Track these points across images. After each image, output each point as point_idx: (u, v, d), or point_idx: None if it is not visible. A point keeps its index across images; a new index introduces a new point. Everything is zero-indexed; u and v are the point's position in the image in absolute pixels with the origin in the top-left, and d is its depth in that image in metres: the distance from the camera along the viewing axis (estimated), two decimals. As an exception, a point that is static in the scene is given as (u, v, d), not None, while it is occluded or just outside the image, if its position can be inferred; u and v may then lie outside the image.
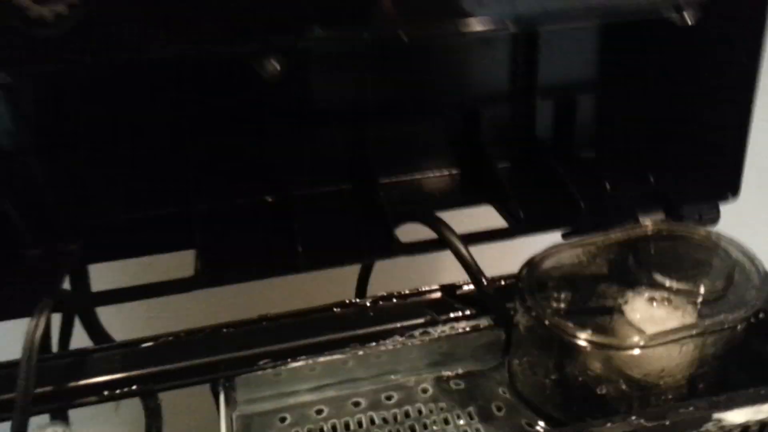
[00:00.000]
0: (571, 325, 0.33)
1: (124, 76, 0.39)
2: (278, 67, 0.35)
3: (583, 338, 0.32)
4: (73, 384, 0.36)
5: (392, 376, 0.42)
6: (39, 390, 0.34)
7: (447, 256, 0.41)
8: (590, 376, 0.33)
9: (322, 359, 0.39)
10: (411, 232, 0.44)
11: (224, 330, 0.39)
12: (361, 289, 0.45)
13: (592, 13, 0.36)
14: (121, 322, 0.45)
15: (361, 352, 0.39)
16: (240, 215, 0.42)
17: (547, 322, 0.33)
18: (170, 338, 0.38)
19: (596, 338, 0.32)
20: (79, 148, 0.39)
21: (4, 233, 0.39)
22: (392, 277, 0.48)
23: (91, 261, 0.40)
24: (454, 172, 0.46)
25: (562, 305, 0.34)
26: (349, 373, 0.41)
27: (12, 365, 0.35)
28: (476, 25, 0.33)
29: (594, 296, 0.34)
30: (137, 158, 0.41)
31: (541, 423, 0.35)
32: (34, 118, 0.38)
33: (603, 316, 0.33)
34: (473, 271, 0.38)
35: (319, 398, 0.41)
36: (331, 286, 0.47)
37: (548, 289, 0.35)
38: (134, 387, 0.36)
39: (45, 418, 0.38)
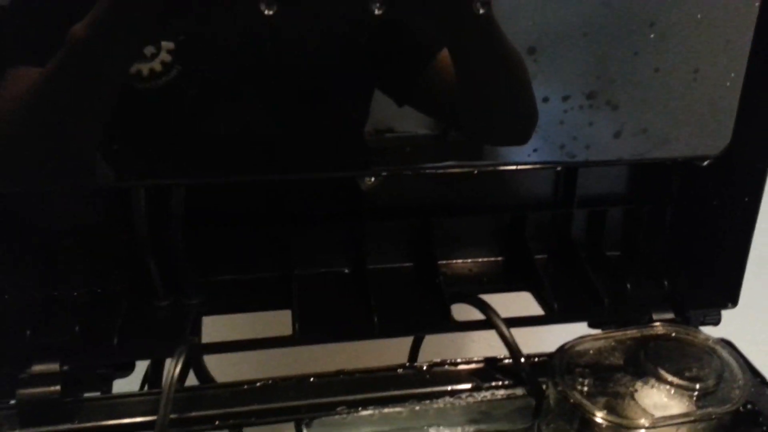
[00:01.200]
0: (590, 404, 0.41)
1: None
2: (374, 180, 0.46)
3: (600, 416, 0.41)
4: (191, 414, 0.46)
5: (438, 428, 0.51)
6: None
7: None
8: (604, 448, 0.41)
9: (386, 410, 0.48)
10: (457, 309, 0.53)
11: (310, 379, 0.48)
12: (413, 354, 0.54)
13: (630, 161, 0.46)
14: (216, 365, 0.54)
15: (417, 407, 0.49)
16: (326, 284, 0.52)
17: (572, 400, 0.42)
18: (267, 382, 0.48)
19: (610, 417, 0.41)
20: (209, 222, 0.49)
21: (143, 285, 0.49)
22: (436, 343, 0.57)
23: (207, 313, 0.50)
24: (500, 259, 0.56)
25: (585, 387, 0.43)
26: (403, 422, 0.50)
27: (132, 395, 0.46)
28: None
29: (611, 382, 0.43)
30: (250, 232, 0.52)
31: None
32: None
33: (617, 399, 0.42)
34: (513, 349, 0.47)
35: (378, 441, 0.51)
36: (385, 348, 0.57)
37: (575, 373, 0.44)
38: (231, 421, 0.46)
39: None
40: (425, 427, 0.50)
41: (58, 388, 0.43)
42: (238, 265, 0.52)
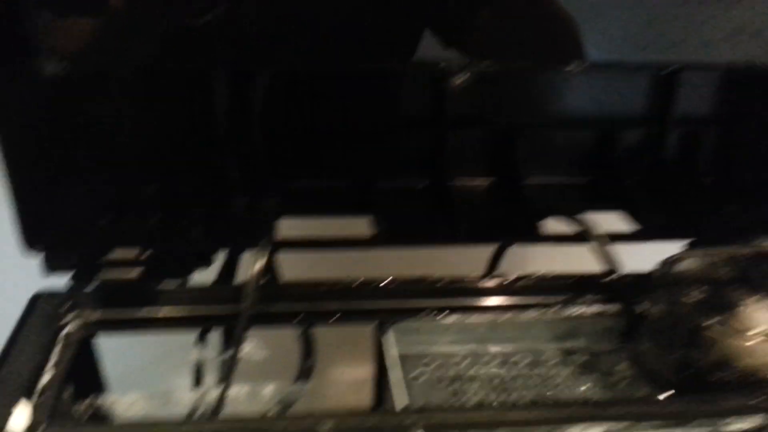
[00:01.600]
0: (697, 315, 0.39)
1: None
2: (463, 78, 0.43)
3: (707, 327, 0.38)
4: (270, 310, 0.44)
5: (523, 343, 0.49)
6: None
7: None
8: (710, 361, 0.39)
9: (469, 320, 0.46)
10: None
11: (392, 283, 0.47)
12: (493, 265, 0.52)
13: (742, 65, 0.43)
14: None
15: (499, 319, 0.47)
16: (407, 195, 0.50)
17: (678, 312, 0.39)
18: (348, 283, 0.46)
19: (718, 327, 0.39)
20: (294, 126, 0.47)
21: (222, 183, 0.47)
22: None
23: (284, 215, 0.48)
24: (588, 179, 0.53)
25: (693, 299, 0.40)
26: (487, 334, 0.49)
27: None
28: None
29: (721, 296, 0.40)
30: (330, 138, 0.49)
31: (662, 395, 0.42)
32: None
33: (728, 312, 0.40)
34: (611, 262, 0.44)
35: (457, 351, 0.49)
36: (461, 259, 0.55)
37: (679, 286, 0.41)
38: (311, 319, 0.45)
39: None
40: (512, 341, 0.49)
41: (137, 273, 0.42)
42: (316, 172, 0.50)
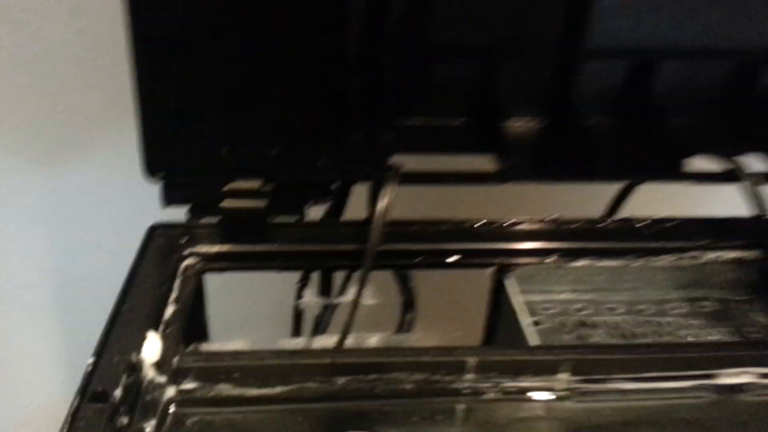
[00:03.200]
0: None
1: None
2: None
3: None
4: (394, 247, 0.43)
5: (646, 291, 0.47)
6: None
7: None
8: None
9: (600, 263, 0.43)
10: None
11: (514, 225, 0.44)
12: (614, 207, 0.49)
13: None
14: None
15: (628, 264, 0.44)
16: (533, 132, 0.47)
17: None
18: (470, 224, 0.44)
19: None
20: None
21: (340, 117, 0.45)
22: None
23: (402, 151, 0.46)
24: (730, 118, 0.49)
25: None
26: (610, 281, 0.46)
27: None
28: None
29: None
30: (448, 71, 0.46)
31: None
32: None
33: None
34: (761, 204, 0.41)
35: (579, 298, 0.47)
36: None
37: None
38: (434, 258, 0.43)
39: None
40: (634, 290, 0.46)
41: (261, 203, 0.41)
42: (434, 108, 0.47)
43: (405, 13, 0.41)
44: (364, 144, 0.45)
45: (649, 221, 0.44)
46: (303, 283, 0.45)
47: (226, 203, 0.40)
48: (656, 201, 0.50)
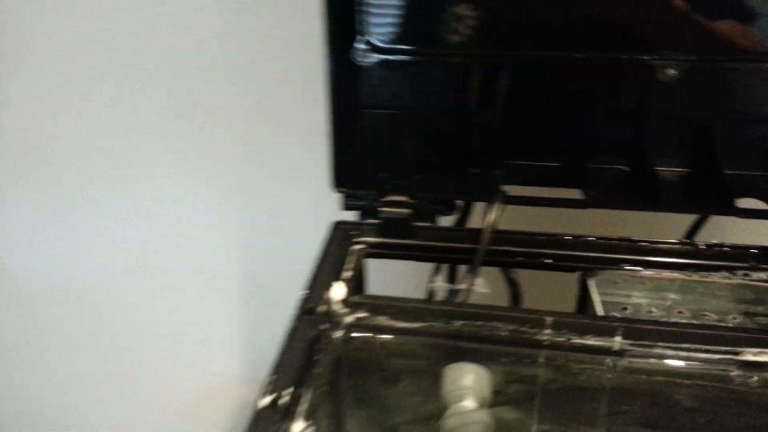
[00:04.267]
0: None
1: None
2: (675, 74, 0.52)
3: None
4: (498, 248, 0.58)
5: (710, 303, 0.57)
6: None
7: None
8: None
9: (666, 274, 0.55)
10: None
11: (595, 240, 0.58)
12: (690, 234, 0.60)
13: None
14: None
15: (694, 277, 0.55)
16: (613, 176, 0.60)
17: None
18: (560, 237, 0.58)
19: None
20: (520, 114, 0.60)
21: (463, 156, 0.62)
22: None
23: (509, 183, 0.61)
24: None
25: None
26: (678, 291, 0.57)
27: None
28: None
29: None
30: (547, 124, 0.61)
31: None
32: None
33: None
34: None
35: (650, 303, 0.58)
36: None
37: None
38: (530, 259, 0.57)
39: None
40: (698, 299, 0.57)
41: (407, 212, 0.58)
42: (536, 152, 0.63)
43: (511, 85, 0.58)
44: (480, 176, 0.61)
45: (708, 244, 0.55)
46: (435, 271, 0.61)
47: (384, 210, 0.59)
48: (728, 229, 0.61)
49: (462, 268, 0.63)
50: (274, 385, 0.44)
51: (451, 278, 0.65)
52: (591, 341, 0.47)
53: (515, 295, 0.63)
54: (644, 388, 0.47)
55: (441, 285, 0.63)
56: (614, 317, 0.50)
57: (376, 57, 0.54)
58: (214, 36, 0.81)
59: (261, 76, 0.83)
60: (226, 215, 0.94)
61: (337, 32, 0.53)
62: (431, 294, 0.62)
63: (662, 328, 0.47)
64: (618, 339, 0.47)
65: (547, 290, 0.64)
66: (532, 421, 0.51)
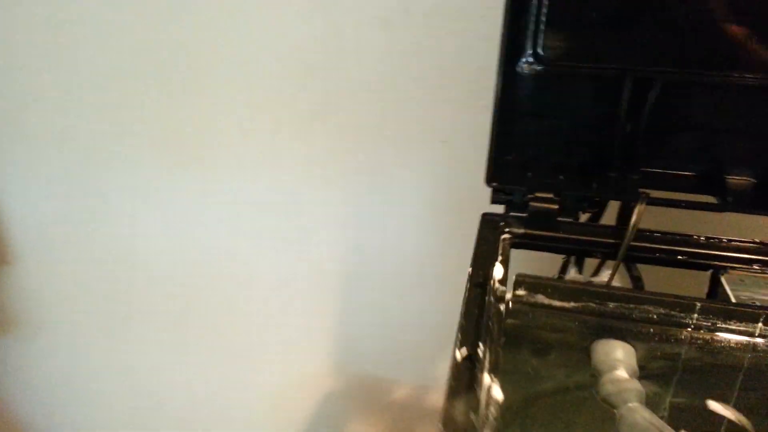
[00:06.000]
0: None
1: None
2: None
3: None
4: (637, 244, 0.64)
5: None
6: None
7: None
8: None
9: (794, 275, 0.60)
10: None
11: (725, 241, 0.63)
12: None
13: None
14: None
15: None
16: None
17: None
18: (692, 236, 0.64)
19: None
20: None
21: (604, 161, 0.68)
22: None
23: (646, 187, 0.67)
24: None
25: None
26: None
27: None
28: None
29: None
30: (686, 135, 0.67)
31: None
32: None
33: None
34: None
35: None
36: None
37: None
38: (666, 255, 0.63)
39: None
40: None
41: (552, 206, 0.65)
42: (669, 162, 0.68)
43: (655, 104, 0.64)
44: (620, 179, 0.67)
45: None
46: (566, 261, 0.68)
47: (534, 205, 0.66)
48: None
49: (588, 261, 0.69)
50: (464, 341, 0.51)
51: (580, 268, 0.71)
52: (734, 326, 0.53)
53: (638, 289, 0.69)
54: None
55: (576, 276, 0.69)
56: (758, 306, 0.56)
57: (540, 68, 0.62)
58: (353, 51, 0.91)
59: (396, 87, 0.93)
60: (333, 214, 1.04)
61: (512, 45, 0.61)
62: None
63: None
64: (760, 325, 0.52)
65: (665, 288, 0.70)
66: (667, 394, 0.57)
